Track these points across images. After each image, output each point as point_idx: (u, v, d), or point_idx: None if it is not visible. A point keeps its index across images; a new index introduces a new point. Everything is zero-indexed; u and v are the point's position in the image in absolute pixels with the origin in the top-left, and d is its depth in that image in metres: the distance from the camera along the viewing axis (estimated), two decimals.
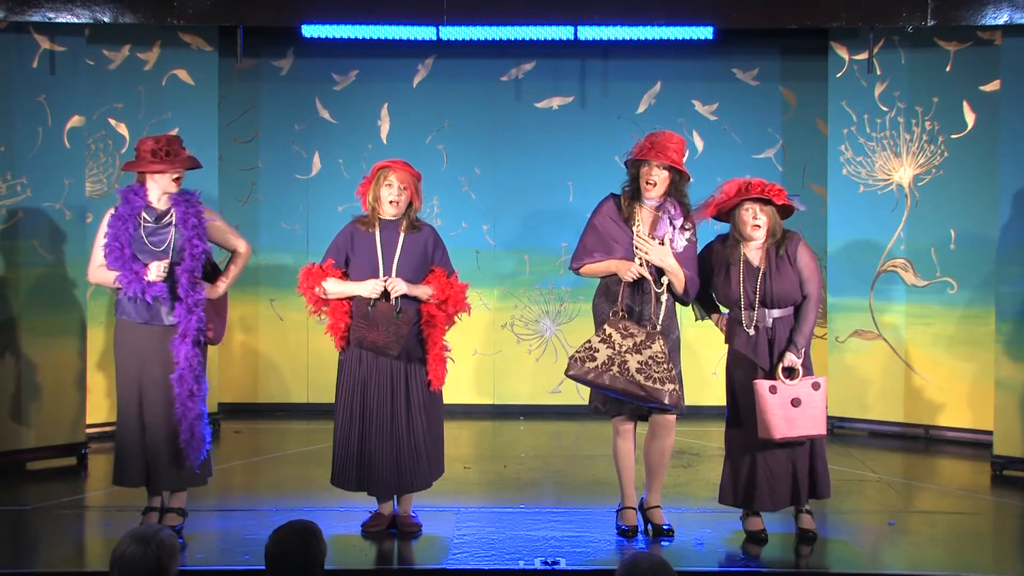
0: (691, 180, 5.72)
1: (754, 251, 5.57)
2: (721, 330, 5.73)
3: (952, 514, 6.34)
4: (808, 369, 5.58)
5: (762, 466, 5.53)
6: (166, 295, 5.59)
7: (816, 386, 5.48)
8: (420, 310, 5.64)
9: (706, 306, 5.84)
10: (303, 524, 3.78)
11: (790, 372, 5.50)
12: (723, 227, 5.83)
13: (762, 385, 5.44)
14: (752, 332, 5.54)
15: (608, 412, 5.68)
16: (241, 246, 5.90)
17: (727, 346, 5.71)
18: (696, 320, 5.95)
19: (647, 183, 5.60)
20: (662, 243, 5.58)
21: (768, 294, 5.51)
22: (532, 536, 5.68)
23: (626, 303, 5.58)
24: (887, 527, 6.00)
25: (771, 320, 5.53)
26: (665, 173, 5.60)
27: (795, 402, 5.43)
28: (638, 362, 5.42)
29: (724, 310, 5.76)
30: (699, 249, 5.74)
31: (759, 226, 5.51)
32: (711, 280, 5.69)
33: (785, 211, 5.60)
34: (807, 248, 5.61)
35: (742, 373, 5.57)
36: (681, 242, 5.62)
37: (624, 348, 5.45)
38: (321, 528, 3.83)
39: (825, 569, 5.42)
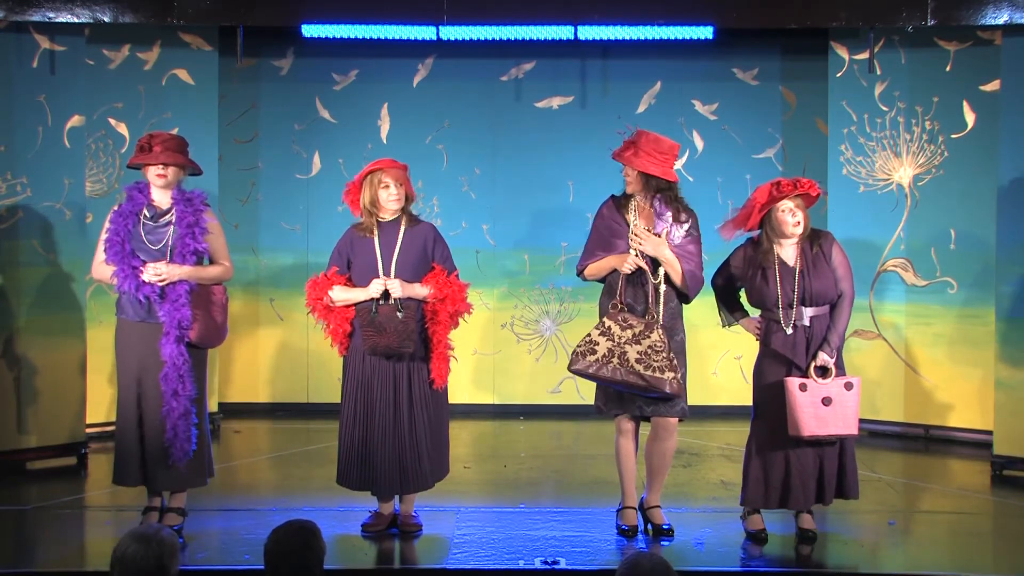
0: (672, 183, 5.61)
1: (788, 251, 5.58)
2: (753, 333, 5.72)
3: (952, 514, 6.34)
4: (841, 368, 5.59)
5: (795, 465, 5.54)
6: (157, 294, 5.59)
7: (849, 386, 5.49)
8: (423, 307, 5.64)
9: (733, 310, 5.84)
10: (302, 523, 3.78)
11: (823, 371, 5.51)
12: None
13: (792, 383, 5.46)
14: (790, 331, 5.55)
15: (610, 412, 5.69)
16: (225, 265, 5.83)
17: (760, 347, 5.69)
18: (724, 327, 5.95)
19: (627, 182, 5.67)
20: (659, 236, 5.59)
21: (807, 292, 5.52)
22: (532, 536, 5.68)
23: (627, 300, 5.59)
24: (887, 527, 6.00)
25: (808, 319, 5.54)
26: (635, 172, 5.62)
27: (826, 401, 5.44)
28: (638, 352, 5.43)
29: (753, 313, 5.76)
30: (702, 243, 5.74)
31: (800, 222, 5.54)
32: (744, 284, 5.69)
33: (809, 202, 5.62)
34: (840, 247, 5.64)
35: (774, 372, 5.57)
36: (678, 234, 5.62)
37: (623, 339, 5.46)
38: (321, 528, 3.83)
39: (825, 569, 5.42)
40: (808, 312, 5.55)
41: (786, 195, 5.51)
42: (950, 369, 7.96)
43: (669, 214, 5.62)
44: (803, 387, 5.46)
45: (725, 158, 8.80)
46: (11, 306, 7.07)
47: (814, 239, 5.60)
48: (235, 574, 5.16)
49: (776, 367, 5.59)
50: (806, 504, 5.59)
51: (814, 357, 5.53)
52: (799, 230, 5.55)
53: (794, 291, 5.54)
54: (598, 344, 5.50)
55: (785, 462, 5.56)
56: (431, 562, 5.37)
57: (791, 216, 5.54)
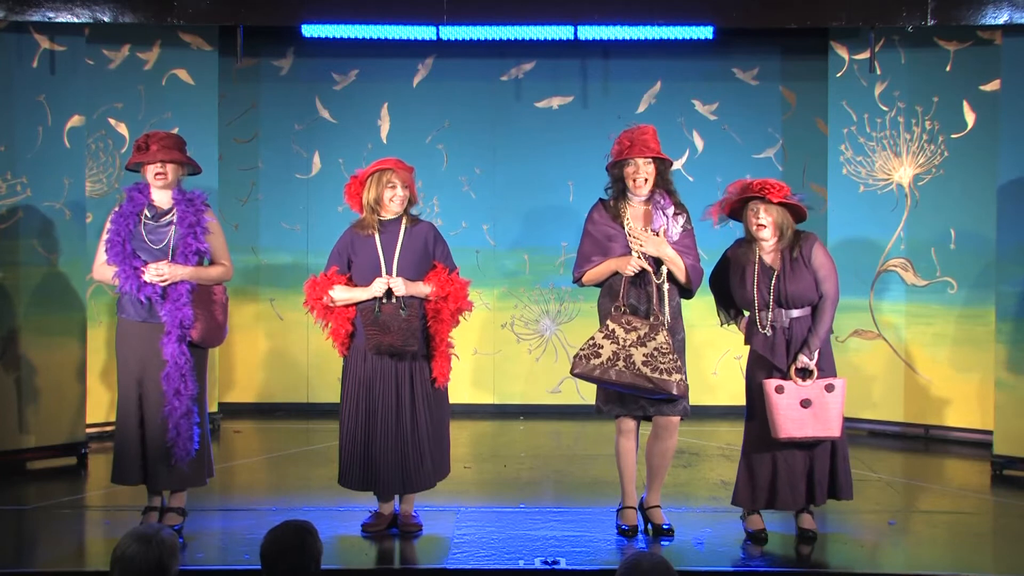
0: (672, 164, 5.73)
1: (769, 252, 5.56)
2: (743, 333, 5.72)
3: (952, 514, 6.34)
4: (831, 369, 5.58)
5: (782, 466, 5.53)
6: (159, 295, 5.60)
7: (830, 388, 5.45)
8: (424, 305, 5.63)
9: (730, 310, 5.84)
10: (298, 523, 3.78)
11: (804, 373, 5.50)
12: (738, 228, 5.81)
13: (769, 385, 5.45)
14: (768, 332, 5.54)
15: (610, 413, 5.68)
16: (225, 265, 5.82)
17: (749, 347, 5.69)
18: (722, 325, 5.96)
19: (637, 181, 5.61)
20: (657, 234, 5.58)
21: (782, 294, 5.50)
22: (532, 536, 5.68)
23: (629, 300, 5.58)
24: (887, 527, 6.00)
25: (788, 320, 5.52)
26: (651, 166, 5.61)
27: (805, 403, 5.42)
28: (643, 355, 5.42)
29: (747, 313, 5.76)
30: (701, 244, 5.75)
31: (764, 225, 5.50)
32: (730, 282, 5.69)
33: (798, 213, 5.58)
34: (823, 248, 5.59)
35: (760, 374, 5.57)
36: (676, 230, 5.62)
37: (628, 342, 5.45)
38: (321, 528, 3.83)
39: (825, 568, 5.42)
40: (792, 314, 5.53)
41: (751, 195, 5.49)
42: (950, 369, 7.96)
43: (672, 207, 5.62)
44: (779, 389, 5.43)
45: (725, 158, 8.80)
46: (11, 306, 7.07)
47: (795, 241, 5.57)
48: (235, 574, 5.16)
49: (760, 369, 5.58)
50: (795, 505, 5.58)
51: (795, 359, 5.52)
52: (765, 235, 5.50)
53: (770, 292, 5.52)
54: (602, 347, 5.48)
55: (772, 463, 5.55)
56: (431, 562, 5.37)
57: (754, 217, 5.51)
